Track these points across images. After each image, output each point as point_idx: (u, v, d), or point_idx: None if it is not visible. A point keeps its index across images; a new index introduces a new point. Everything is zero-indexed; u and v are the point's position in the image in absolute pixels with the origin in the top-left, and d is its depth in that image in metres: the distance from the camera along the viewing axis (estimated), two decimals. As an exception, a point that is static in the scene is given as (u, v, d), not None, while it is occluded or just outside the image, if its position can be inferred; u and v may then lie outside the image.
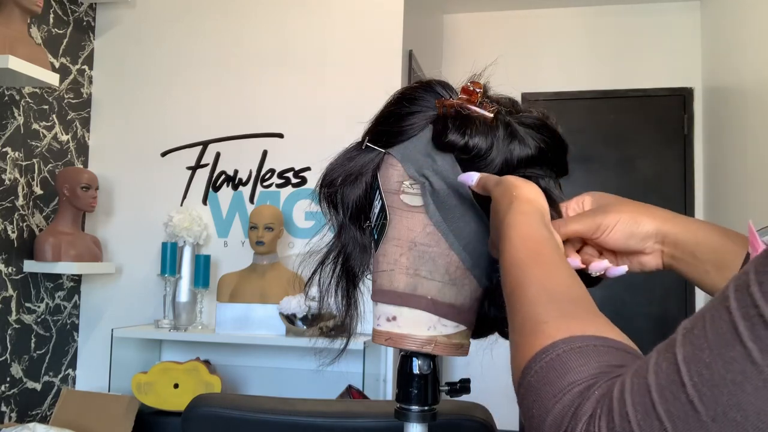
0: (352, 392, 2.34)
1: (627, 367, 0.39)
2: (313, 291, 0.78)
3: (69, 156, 2.84)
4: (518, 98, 0.74)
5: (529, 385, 0.43)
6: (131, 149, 2.96)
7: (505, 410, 3.98)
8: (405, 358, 0.72)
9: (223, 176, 2.88)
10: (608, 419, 0.37)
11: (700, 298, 3.62)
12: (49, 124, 2.72)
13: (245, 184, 2.86)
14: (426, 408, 0.71)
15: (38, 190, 2.65)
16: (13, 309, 2.51)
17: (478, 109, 0.68)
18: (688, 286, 3.71)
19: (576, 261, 0.64)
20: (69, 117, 2.85)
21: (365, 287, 0.78)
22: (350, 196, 0.75)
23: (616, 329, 0.45)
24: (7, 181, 2.48)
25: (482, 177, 0.65)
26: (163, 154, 2.93)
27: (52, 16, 2.73)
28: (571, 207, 0.70)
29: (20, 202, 2.55)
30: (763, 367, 0.32)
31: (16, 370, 2.53)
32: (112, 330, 2.62)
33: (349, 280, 0.77)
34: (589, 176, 3.86)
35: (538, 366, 0.43)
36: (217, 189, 2.88)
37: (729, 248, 0.63)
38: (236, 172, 2.86)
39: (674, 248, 0.65)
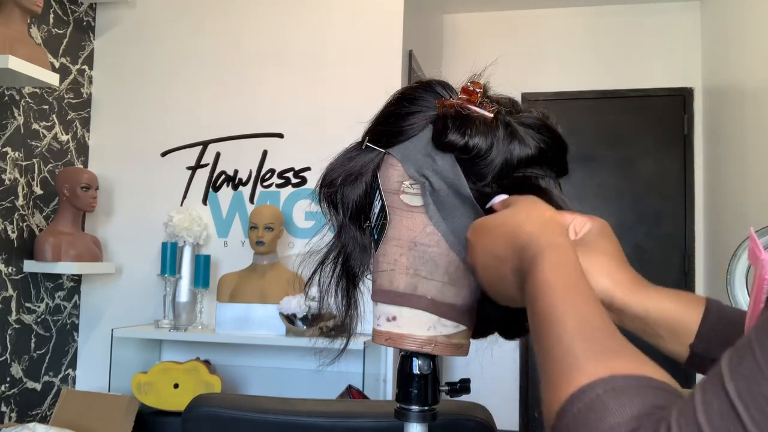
0: (352, 392, 2.34)
1: (670, 408, 0.37)
2: (313, 291, 0.78)
3: (69, 156, 2.84)
4: (518, 98, 0.74)
5: (566, 428, 0.41)
6: (131, 149, 2.96)
7: (505, 410, 3.99)
8: (405, 358, 0.72)
9: (223, 176, 2.88)
10: None
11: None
12: (49, 124, 2.72)
13: (245, 184, 2.86)
14: (426, 408, 0.71)
15: (38, 190, 2.65)
16: (13, 309, 2.51)
17: (478, 109, 0.68)
18: (687, 287, 3.71)
19: None
20: (69, 117, 2.85)
21: (365, 287, 0.78)
22: (350, 196, 0.75)
23: (656, 366, 0.42)
24: (7, 181, 2.48)
25: (507, 199, 0.64)
26: (163, 154, 2.93)
27: (52, 16, 2.73)
28: (576, 223, 0.67)
29: (20, 202, 2.55)
30: None
31: (16, 370, 2.53)
32: (112, 330, 2.62)
33: (349, 280, 0.77)
34: (589, 176, 3.86)
35: (576, 408, 0.40)
36: (217, 189, 2.88)
37: (681, 312, 0.62)
38: (236, 172, 2.87)
39: (620, 315, 0.62)
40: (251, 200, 2.84)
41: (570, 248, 0.52)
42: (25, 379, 2.57)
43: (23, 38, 2.31)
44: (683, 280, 3.75)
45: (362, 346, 2.38)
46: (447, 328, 0.69)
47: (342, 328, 0.79)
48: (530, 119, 0.71)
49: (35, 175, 2.63)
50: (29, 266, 2.55)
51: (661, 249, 3.80)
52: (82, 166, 2.91)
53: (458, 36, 4.11)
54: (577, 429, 0.40)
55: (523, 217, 0.58)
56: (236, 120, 2.88)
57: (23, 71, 2.23)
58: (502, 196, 0.66)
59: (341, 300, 0.78)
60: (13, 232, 2.51)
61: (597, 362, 0.42)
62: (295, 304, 2.44)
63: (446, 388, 0.74)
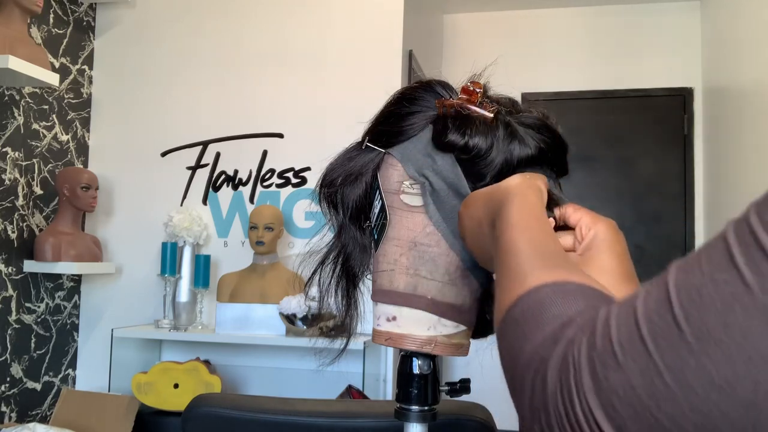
0: (352, 392, 2.34)
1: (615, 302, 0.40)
2: (313, 291, 0.78)
3: (69, 156, 2.84)
4: (518, 98, 0.74)
5: (512, 319, 0.44)
6: (131, 149, 2.96)
7: (505, 410, 3.99)
8: (405, 358, 0.72)
9: (223, 176, 2.88)
10: (590, 341, 0.37)
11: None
12: (49, 124, 2.72)
13: (245, 184, 2.86)
14: (426, 408, 0.71)
15: (38, 190, 2.65)
16: (13, 309, 2.51)
17: (478, 109, 0.68)
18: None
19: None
20: (69, 117, 2.85)
21: (365, 287, 0.78)
22: (350, 196, 0.75)
23: (603, 287, 0.46)
24: (7, 181, 2.48)
25: None
26: (163, 154, 2.93)
27: (52, 16, 2.73)
28: (583, 225, 0.67)
29: (20, 202, 2.55)
30: (755, 289, 0.32)
31: (16, 370, 2.53)
32: (112, 330, 2.62)
33: (349, 280, 0.78)
34: (589, 176, 3.86)
35: (524, 303, 0.44)
36: (217, 189, 2.88)
37: None
38: (236, 172, 2.87)
39: None
40: (251, 200, 2.84)
41: (535, 199, 0.57)
42: (25, 379, 2.57)
43: (23, 38, 2.31)
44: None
45: (362, 346, 2.38)
46: (447, 328, 0.69)
47: (342, 328, 0.79)
48: (530, 119, 0.71)
49: (35, 175, 2.63)
50: (29, 266, 2.55)
51: (661, 249, 3.80)
52: (82, 166, 2.91)
53: (458, 36, 4.11)
54: (524, 320, 0.43)
55: (504, 182, 0.61)
56: (236, 120, 2.88)
57: (23, 71, 2.23)
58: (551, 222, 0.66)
59: (341, 300, 0.78)
60: (13, 232, 2.51)
61: (548, 272, 0.45)
62: (295, 304, 2.44)
63: (446, 388, 0.74)
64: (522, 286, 0.45)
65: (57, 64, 2.76)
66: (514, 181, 0.60)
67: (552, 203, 0.67)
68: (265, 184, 2.84)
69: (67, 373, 2.83)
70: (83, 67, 2.95)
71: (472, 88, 0.69)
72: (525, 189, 0.58)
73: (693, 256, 0.36)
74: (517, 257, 0.49)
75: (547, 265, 0.47)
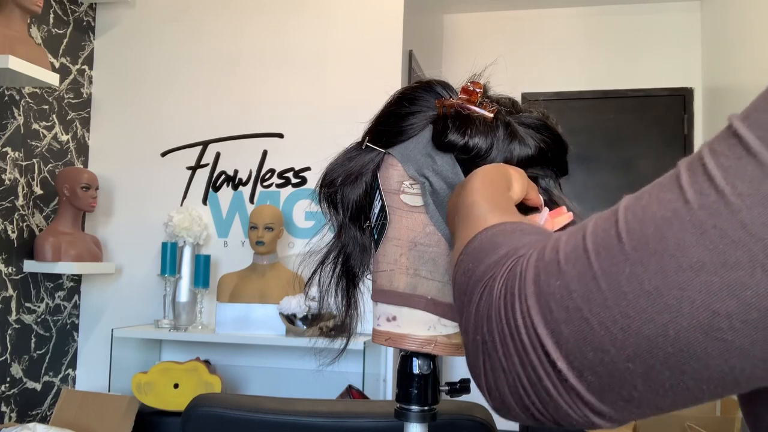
0: (352, 392, 2.34)
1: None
2: (313, 291, 0.78)
3: (69, 156, 2.84)
4: (518, 98, 0.74)
5: (471, 249, 0.47)
6: (131, 149, 2.96)
7: (505, 410, 3.99)
8: (405, 358, 0.72)
9: (223, 176, 2.88)
10: (539, 254, 0.40)
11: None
12: (49, 124, 2.72)
13: (245, 184, 2.86)
14: (426, 408, 0.71)
15: (38, 190, 2.65)
16: (13, 309, 2.51)
17: (478, 109, 0.68)
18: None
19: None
20: (69, 117, 2.85)
21: (365, 287, 0.78)
22: (350, 196, 0.75)
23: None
24: (7, 181, 2.48)
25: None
26: (163, 154, 2.93)
27: (52, 16, 2.73)
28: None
29: (20, 202, 2.55)
30: (694, 205, 0.35)
31: (16, 370, 2.53)
32: (112, 330, 2.62)
33: (349, 280, 0.78)
34: (589, 176, 3.86)
35: (482, 235, 0.47)
36: (217, 189, 2.88)
37: None
38: (236, 172, 2.87)
39: None
40: (251, 200, 2.84)
41: (496, 174, 0.61)
42: (25, 379, 2.57)
43: (23, 38, 2.30)
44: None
45: (362, 346, 2.38)
46: (447, 328, 0.69)
47: (342, 328, 0.79)
48: (530, 119, 0.71)
49: (35, 175, 2.63)
50: (29, 266, 2.55)
51: (661, 249, 3.79)
52: (82, 166, 2.91)
53: (458, 36, 4.11)
54: (482, 247, 0.46)
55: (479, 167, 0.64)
56: (236, 120, 2.88)
57: (23, 71, 2.23)
58: (545, 209, 0.67)
59: (341, 300, 0.78)
60: (13, 232, 2.51)
61: (506, 216, 0.50)
62: (295, 304, 2.44)
63: (446, 388, 0.74)
64: (480, 226, 0.49)
65: (57, 64, 2.76)
66: (483, 167, 0.64)
67: (552, 206, 0.68)
68: (265, 184, 2.84)
69: (67, 373, 2.83)
70: (83, 67, 2.95)
71: (472, 88, 0.69)
72: (488, 168, 0.62)
73: (645, 187, 0.39)
74: (477, 209, 0.53)
75: (504, 213, 0.51)
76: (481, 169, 0.61)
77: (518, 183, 0.63)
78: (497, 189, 0.57)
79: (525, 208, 0.67)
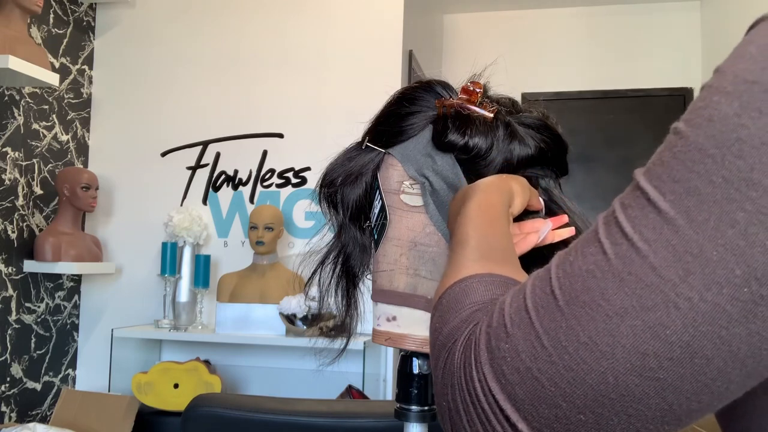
0: (352, 392, 2.34)
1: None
2: (313, 291, 0.78)
3: (69, 156, 2.84)
4: (518, 98, 0.74)
5: (440, 305, 0.48)
6: (131, 149, 2.96)
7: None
8: (405, 358, 0.72)
9: (223, 176, 2.88)
10: (489, 320, 0.42)
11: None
12: (49, 124, 2.72)
13: (245, 184, 2.86)
14: (426, 408, 0.71)
15: (38, 190, 2.65)
16: (13, 309, 2.51)
17: (478, 109, 0.68)
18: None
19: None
20: (69, 117, 2.85)
21: (365, 287, 0.78)
22: (350, 196, 0.75)
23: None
24: (7, 181, 2.48)
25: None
26: (163, 154, 2.93)
27: (52, 16, 2.73)
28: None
29: (20, 202, 2.55)
30: (611, 255, 0.37)
31: (16, 370, 2.53)
32: (112, 330, 2.62)
33: (349, 280, 0.78)
34: (589, 176, 3.86)
35: (452, 290, 0.48)
36: (217, 189, 2.88)
37: None
38: (236, 172, 2.87)
39: None
40: (251, 200, 2.84)
41: (497, 198, 0.60)
42: (25, 379, 2.57)
43: (23, 38, 2.30)
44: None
45: (362, 346, 2.38)
46: (447, 328, 0.69)
47: (342, 328, 0.79)
48: (530, 119, 0.71)
49: (35, 175, 2.63)
50: (29, 266, 2.55)
51: (661, 249, 3.79)
52: (82, 166, 2.91)
53: (458, 36, 4.11)
54: (449, 305, 0.47)
55: (480, 180, 0.64)
56: (236, 120, 2.88)
57: (23, 71, 2.23)
58: (548, 224, 0.67)
59: (341, 300, 0.78)
60: (13, 232, 2.51)
61: (482, 265, 0.50)
62: (295, 304, 2.44)
63: (446, 388, 0.73)
64: (456, 276, 0.50)
65: (57, 64, 2.76)
66: (486, 180, 0.63)
67: (553, 205, 0.68)
68: (265, 184, 2.84)
69: (67, 373, 2.83)
70: (83, 67, 2.95)
71: (472, 88, 0.69)
72: (490, 187, 0.61)
73: (573, 242, 0.42)
74: (463, 248, 0.53)
75: (484, 257, 0.51)
76: (480, 189, 0.61)
77: (519, 198, 0.63)
78: (492, 218, 0.57)
79: (525, 211, 0.67)
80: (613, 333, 0.36)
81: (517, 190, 0.64)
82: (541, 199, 0.69)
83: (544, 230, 0.66)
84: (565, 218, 0.68)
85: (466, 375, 0.41)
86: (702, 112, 0.37)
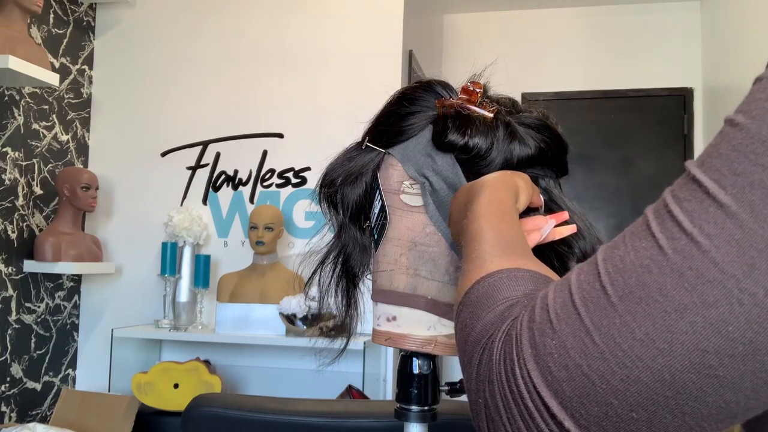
0: (352, 392, 2.34)
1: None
2: (313, 291, 0.78)
3: (69, 156, 2.84)
4: (518, 98, 0.74)
5: (469, 301, 0.48)
6: (131, 149, 2.96)
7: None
8: (405, 358, 0.72)
9: (223, 176, 2.88)
10: (530, 315, 0.41)
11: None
12: (49, 124, 2.72)
13: (245, 184, 2.85)
14: (426, 408, 0.71)
15: (38, 190, 2.65)
16: (13, 309, 2.51)
17: (478, 109, 0.68)
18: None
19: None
20: (69, 117, 2.85)
21: (365, 287, 0.78)
22: (350, 196, 0.75)
23: (553, 273, 0.50)
24: (7, 181, 2.48)
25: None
26: (163, 154, 2.93)
27: (52, 16, 2.73)
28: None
29: (20, 202, 2.55)
30: (668, 250, 0.36)
31: (16, 370, 2.53)
32: (112, 330, 2.62)
33: (349, 280, 0.78)
34: (589, 176, 3.86)
35: (480, 286, 0.48)
36: (217, 189, 2.88)
37: None
38: (236, 172, 2.86)
39: None
40: (251, 200, 2.84)
41: (505, 194, 0.60)
42: (25, 379, 2.57)
43: (23, 38, 2.30)
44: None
45: (362, 346, 2.38)
46: (447, 328, 0.69)
47: (342, 328, 0.79)
48: (530, 119, 0.71)
49: (35, 175, 2.63)
50: (29, 266, 2.55)
51: (661, 249, 3.79)
52: (82, 166, 2.91)
53: (458, 36, 4.11)
54: (478, 302, 0.47)
55: (484, 176, 0.64)
56: (236, 120, 2.87)
57: (23, 71, 2.23)
58: (551, 222, 0.67)
59: (341, 300, 0.78)
60: (13, 232, 2.51)
61: (505, 259, 0.50)
62: (295, 304, 2.44)
63: (446, 388, 0.74)
64: (481, 271, 0.49)
65: (57, 64, 2.76)
66: (491, 176, 0.63)
67: (553, 206, 0.68)
68: (265, 184, 2.84)
69: (67, 373, 2.83)
70: (83, 67, 2.95)
71: (472, 88, 0.69)
72: (497, 183, 0.61)
73: (618, 236, 0.41)
74: (481, 245, 0.53)
75: (505, 252, 0.51)
76: (488, 185, 0.61)
77: (525, 194, 0.63)
78: (504, 214, 0.57)
79: (526, 209, 0.67)
80: (672, 329, 0.35)
81: (522, 187, 0.64)
82: (541, 198, 0.69)
83: (546, 228, 0.66)
84: (566, 215, 0.68)
85: (507, 372, 0.41)
86: (764, 104, 0.37)
